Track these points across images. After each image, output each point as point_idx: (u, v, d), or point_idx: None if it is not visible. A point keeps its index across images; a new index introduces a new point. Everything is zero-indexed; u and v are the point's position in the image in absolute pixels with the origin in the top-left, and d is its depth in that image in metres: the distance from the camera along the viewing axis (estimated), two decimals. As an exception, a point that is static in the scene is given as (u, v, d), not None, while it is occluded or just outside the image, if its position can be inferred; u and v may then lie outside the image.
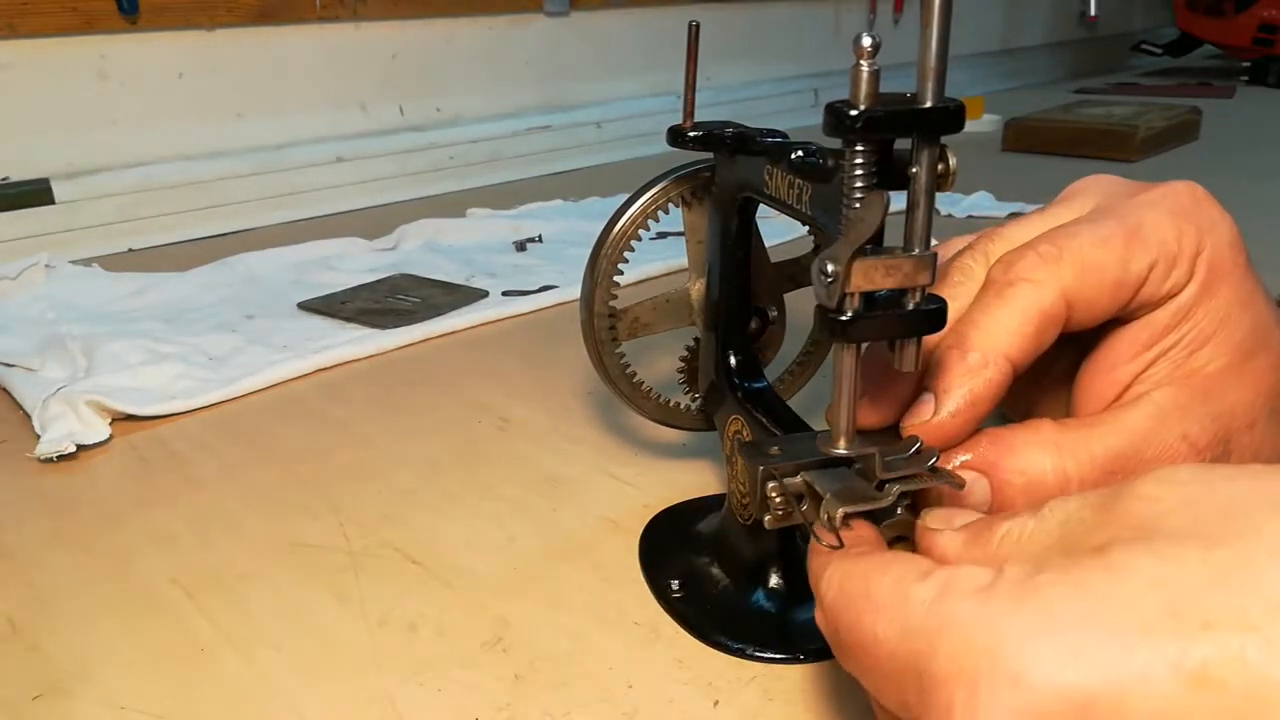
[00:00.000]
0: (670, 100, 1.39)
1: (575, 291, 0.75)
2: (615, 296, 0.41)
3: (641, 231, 0.41)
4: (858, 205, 0.26)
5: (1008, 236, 0.31)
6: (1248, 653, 0.17)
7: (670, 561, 0.40)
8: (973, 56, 1.99)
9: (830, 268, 0.25)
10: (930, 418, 0.29)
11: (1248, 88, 1.94)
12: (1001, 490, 0.29)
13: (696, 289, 0.42)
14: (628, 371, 0.43)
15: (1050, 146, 1.29)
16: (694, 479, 0.47)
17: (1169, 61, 2.38)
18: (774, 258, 0.42)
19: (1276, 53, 1.98)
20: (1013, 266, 0.29)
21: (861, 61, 0.24)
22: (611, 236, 0.41)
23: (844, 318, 0.26)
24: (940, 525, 0.25)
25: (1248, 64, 2.05)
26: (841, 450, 0.28)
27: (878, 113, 0.24)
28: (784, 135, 0.34)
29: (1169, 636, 0.18)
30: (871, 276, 0.25)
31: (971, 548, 0.24)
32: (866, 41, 0.24)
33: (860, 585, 0.22)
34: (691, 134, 0.38)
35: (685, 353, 0.43)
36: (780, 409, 0.38)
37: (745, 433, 0.38)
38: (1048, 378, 0.35)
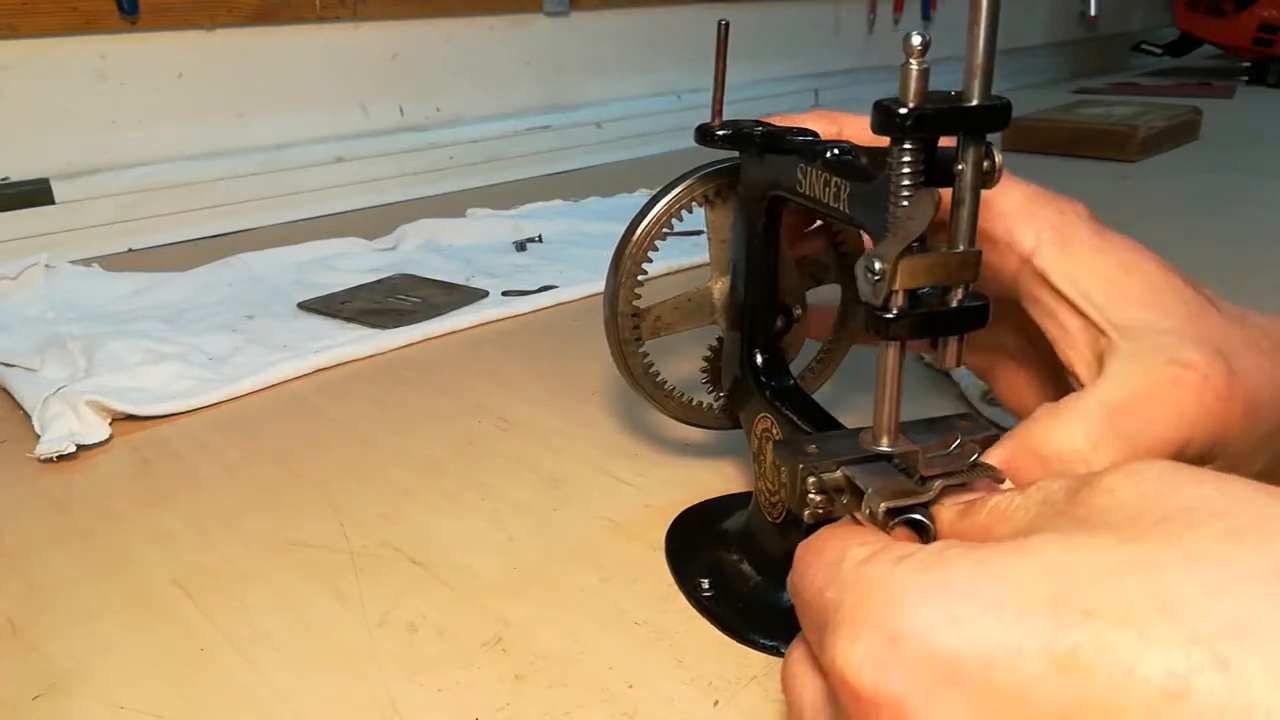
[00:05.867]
0: (670, 100, 1.39)
1: (575, 291, 0.76)
2: (639, 296, 0.41)
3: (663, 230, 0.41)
4: (905, 203, 0.26)
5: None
6: (1121, 645, 0.17)
7: (698, 560, 0.41)
8: (973, 56, 1.99)
9: (878, 265, 0.25)
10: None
11: (1248, 88, 1.94)
12: (1019, 477, 0.29)
13: (719, 288, 0.42)
14: (650, 370, 0.43)
15: (1050, 146, 1.29)
16: (694, 478, 0.47)
17: (1169, 61, 2.38)
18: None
19: (1276, 53, 1.98)
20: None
21: (911, 60, 0.24)
22: (636, 236, 0.40)
23: (889, 315, 0.26)
24: (951, 503, 0.26)
25: (1248, 64, 2.05)
26: (884, 448, 0.28)
27: (927, 110, 0.24)
28: (814, 134, 0.34)
29: (1046, 619, 0.18)
30: (917, 274, 0.25)
31: (963, 518, 0.25)
32: (916, 40, 0.24)
33: (818, 544, 0.24)
34: (720, 133, 0.38)
35: (708, 352, 0.43)
36: (809, 406, 0.39)
37: (775, 431, 0.38)
38: (1006, 349, 0.37)
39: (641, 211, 0.41)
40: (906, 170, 0.25)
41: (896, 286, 0.25)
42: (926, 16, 1.81)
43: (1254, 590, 0.17)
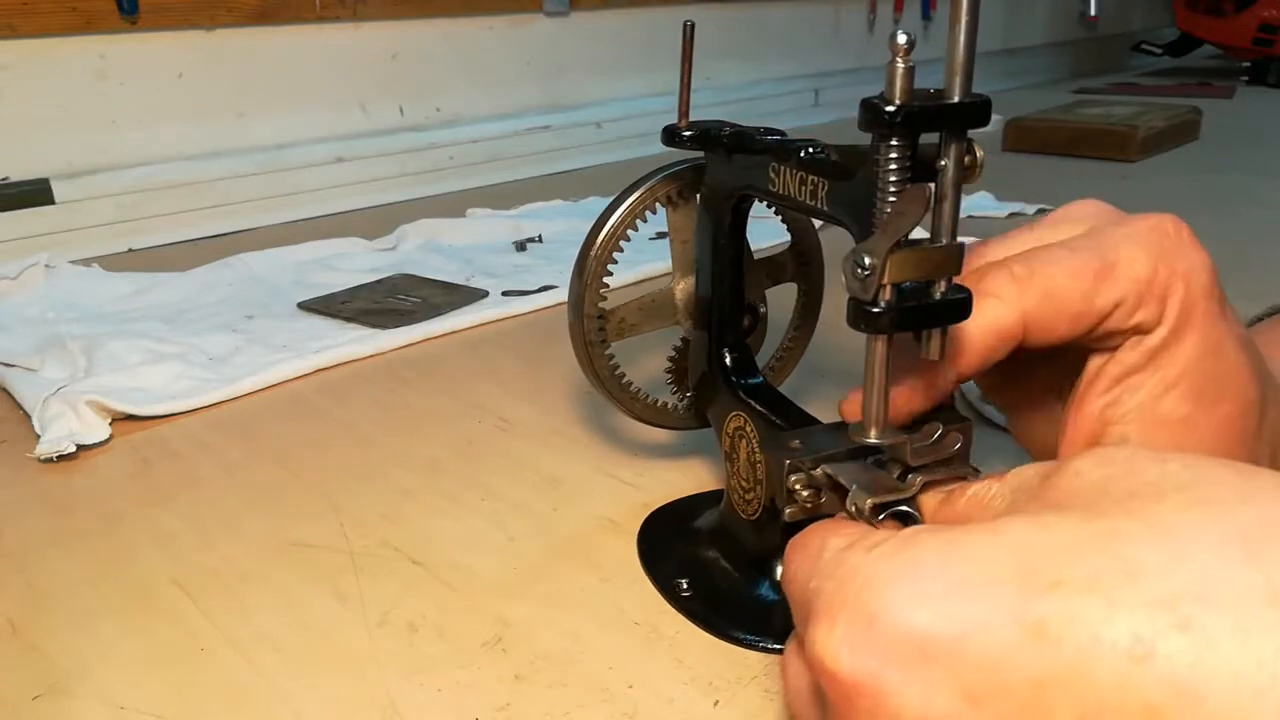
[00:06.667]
0: (670, 100, 1.39)
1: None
2: (604, 299, 0.41)
3: (640, 229, 0.41)
4: (893, 200, 0.26)
5: (987, 253, 0.32)
6: (1087, 612, 0.18)
7: (672, 560, 0.40)
8: (973, 56, 1.99)
9: (868, 260, 0.25)
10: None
11: (1248, 88, 1.95)
12: None
13: (681, 288, 0.42)
14: (617, 373, 0.43)
15: (1050, 147, 1.29)
16: (694, 477, 0.47)
17: (1169, 61, 2.38)
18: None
19: (1276, 53, 1.98)
20: (983, 279, 0.30)
21: (897, 59, 0.25)
22: (599, 239, 0.41)
23: (877, 309, 0.26)
24: (934, 493, 0.27)
25: (1248, 64, 2.05)
26: (873, 439, 0.28)
27: (914, 108, 0.25)
28: (781, 133, 0.34)
29: (1014, 591, 0.19)
30: (905, 268, 0.26)
31: (944, 506, 0.26)
32: (902, 39, 0.24)
33: (804, 538, 0.25)
34: (687, 133, 0.39)
35: (673, 353, 0.43)
36: (782, 402, 0.39)
37: (749, 428, 0.38)
38: (1035, 389, 0.36)
39: (604, 215, 0.41)
40: (894, 167, 0.26)
41: (886, 280, 0.26)
42: (926, 16, 1.81)
43: (1216, 555, 0.18)
